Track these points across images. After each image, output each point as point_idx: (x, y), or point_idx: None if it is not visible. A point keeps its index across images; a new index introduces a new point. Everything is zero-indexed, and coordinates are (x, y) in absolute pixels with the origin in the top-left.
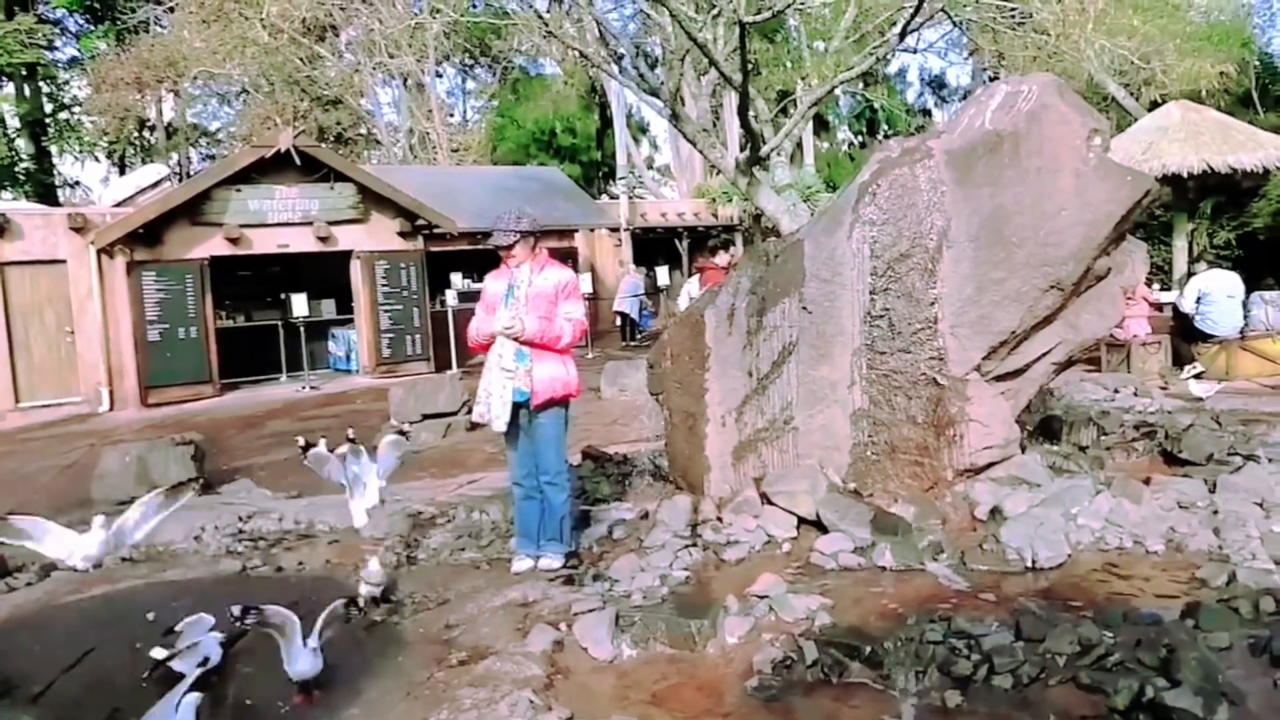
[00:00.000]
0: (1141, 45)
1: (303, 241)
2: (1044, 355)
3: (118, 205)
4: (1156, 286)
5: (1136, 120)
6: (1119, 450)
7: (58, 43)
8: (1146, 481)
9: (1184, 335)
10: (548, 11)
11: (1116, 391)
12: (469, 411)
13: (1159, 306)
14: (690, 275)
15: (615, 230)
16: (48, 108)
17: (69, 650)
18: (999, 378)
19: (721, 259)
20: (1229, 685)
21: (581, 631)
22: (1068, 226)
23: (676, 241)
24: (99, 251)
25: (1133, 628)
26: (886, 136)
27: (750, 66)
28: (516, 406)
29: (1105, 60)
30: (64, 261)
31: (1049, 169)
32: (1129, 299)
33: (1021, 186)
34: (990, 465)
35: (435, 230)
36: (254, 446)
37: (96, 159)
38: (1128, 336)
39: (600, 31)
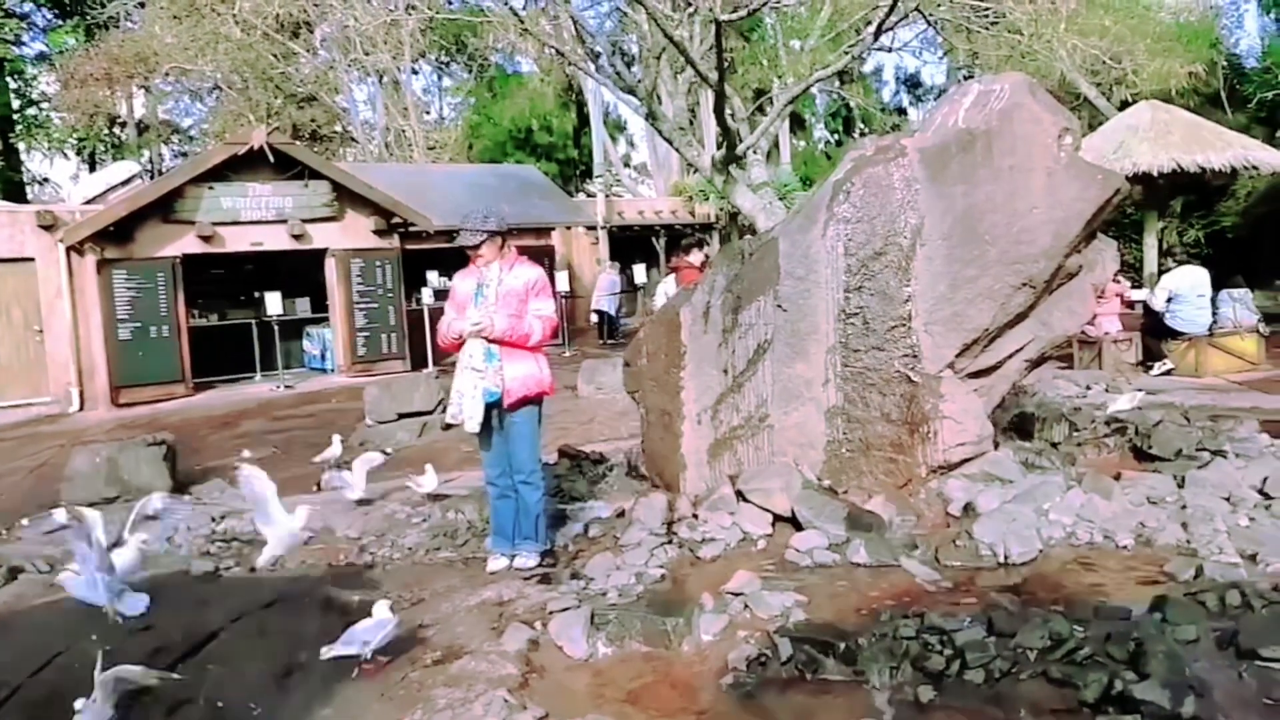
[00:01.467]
0: (1113, 45)
1: (277, 240)
2: (1016, 352)
3: (88, 203)
4: (1128, 283)
5: (1107, 119)
6: (1090, 446)
7: (25, 37)
8: (1117, 477)
9: (1154, 332)
10: (524, 9)
11: (1088, 388)
12: (444, 410)
13: (1131, 304)
14: (666, 273)
15: (592, 228)
16: (15, 104)
17: (37, 654)
18: (972, 375)
19: (695, 257)
20: (1196, 678)
21: (557, 630)
22: (1039, 224)
23: (653, 239)
24: (68, 249)
25: (1102, 622)
26: (862, 135)
27: (726, 64)
28: (488, 406)
29: (1077, 60)
30: (32, 260)
31: (1021, 167)
32: (1100, 296)
33: (994, 185)
34: (964, 462)
35: (411, 228)
36: (227, 446)
37: (66, 156)
38: (1099, 334)
39: (577, 29)
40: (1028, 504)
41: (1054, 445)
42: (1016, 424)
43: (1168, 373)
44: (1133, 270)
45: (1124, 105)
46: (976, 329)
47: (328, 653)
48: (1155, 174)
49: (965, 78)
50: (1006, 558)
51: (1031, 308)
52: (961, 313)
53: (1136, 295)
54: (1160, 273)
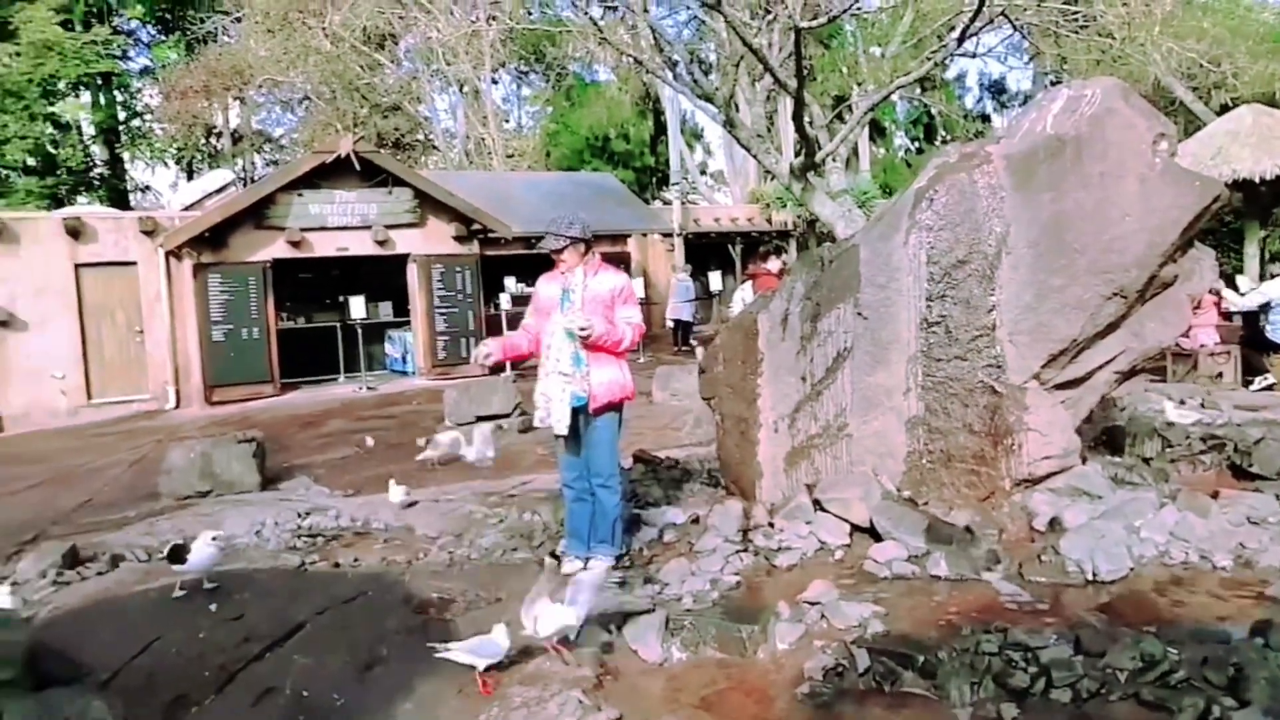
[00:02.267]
0: (1211, 48)
1: (361, 245)
2: (1106, 364)
3: (185, 209)
4: (1227, 291)
5: (1204, 125)
6: (1185, 463)
7: (131, 52)
8: (1214, 495)
9: (1254, 345)
10: (602, 18)
11: (1182, 402)
12: (520, 414)
13: (1228, 315)
14: (742, 281)
15: (668, 235)
16: (121, 115)
17: (136, 638)
18: (1059, 386)
19: (773, 264)
20: None
21: (631, 634)
22: (1132, 233)
23: (730, 247)
24: (167, 254)
25: (1199, 645)
26: (944, 142)
27: (806, 72)
28: (574, 410)
29: (1172, 63)
30: (134, 264)
31: (1113, 174)
32: (1195, 308)
33: (1084, 192)
34: (1049, 475)
35: (490, 235)
36: (312, 445)
37: (166, 165)
38: (1194, 346)
39: (655, 38)
40: (1117, 520)
41: (1146, 461)
42: (1106, 438)
43: (1269, 388)
44: (1231, 282)
45: (1223, 110)
46: (1064, 340)
47: (443, 652)
48: (1257, 180)
49: (1052, 83)
50: (1095, 575)
51: (1123, 318)
52: (1048, 323)
53: (1234, 302)
54: (1236, 286)
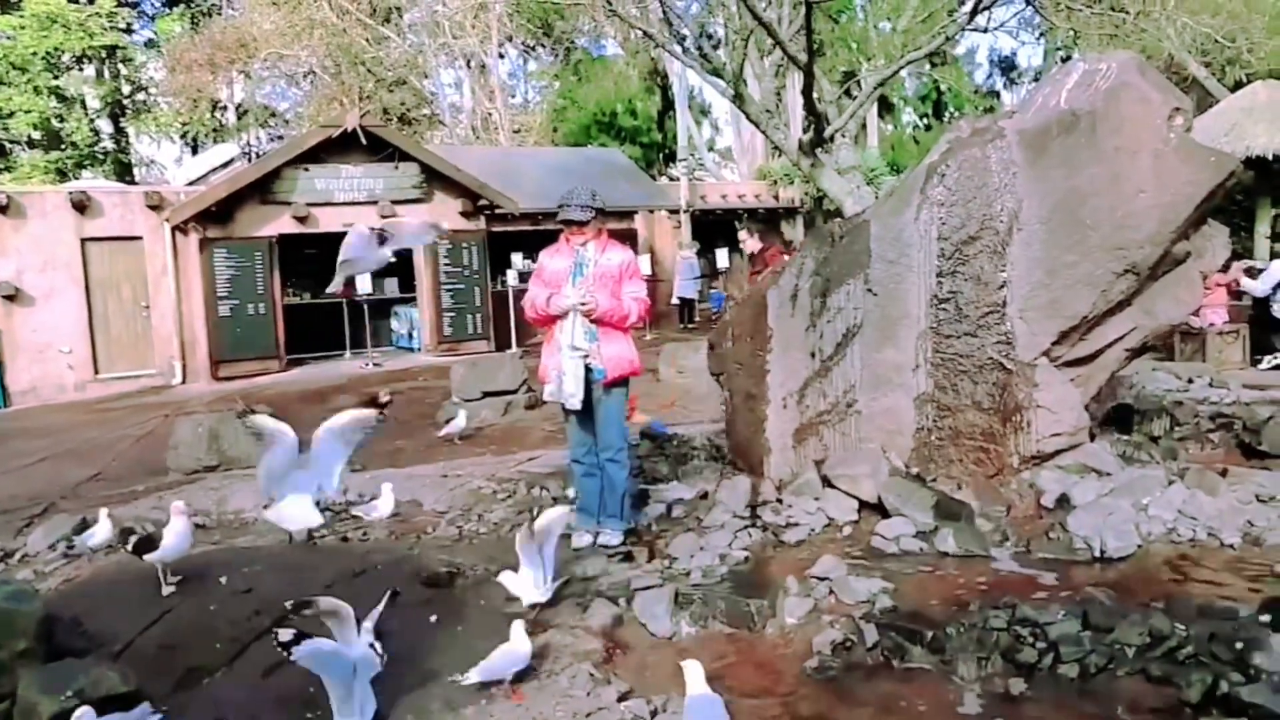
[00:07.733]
0: (1226, 23)
1: (367, 220)
2: (1117, 341)
3: (191, 184)
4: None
5: (1218, 102)
6: (1193, 441)
7: (135, 25)
8: (1223, 474)
9: (1264, 324)
10: None
11: (1191, 381)
12: (528, 390)
13: (1238, 294)
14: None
15: (675, 212)
16: (125, 89)
17: (147, 610)
18: (1069, 363)
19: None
20: None
21: (641, 608)
22: (1145, 208)
23: (736, 224)
24: (173, 229)
25: (1207, 621)
26: (952, 119)
27: (816, 46)
28: (587, 385)
29: (1186, 39)
30: (140, 238)
31: (1127, 149)
32: (1206, 287)
33: (1098, 167)
34: (1058, 453)
35: (497, 210)
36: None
37: (171, 139)
38: (1204, 325)
39: (664, 11)
40: (1126, 498)
41: (1154, 439)
42: (1114, 416)
43: (1278, 367)
44: (1239, 259)
45: (1237, 86)
46: (1075, 316)
47: (467, 681)
48: (1270, 157)
49: (1064, 59)
50: (1102, 552)
51: (1134, 295)
52: (1059, 299)
53: (1251, 289)
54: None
